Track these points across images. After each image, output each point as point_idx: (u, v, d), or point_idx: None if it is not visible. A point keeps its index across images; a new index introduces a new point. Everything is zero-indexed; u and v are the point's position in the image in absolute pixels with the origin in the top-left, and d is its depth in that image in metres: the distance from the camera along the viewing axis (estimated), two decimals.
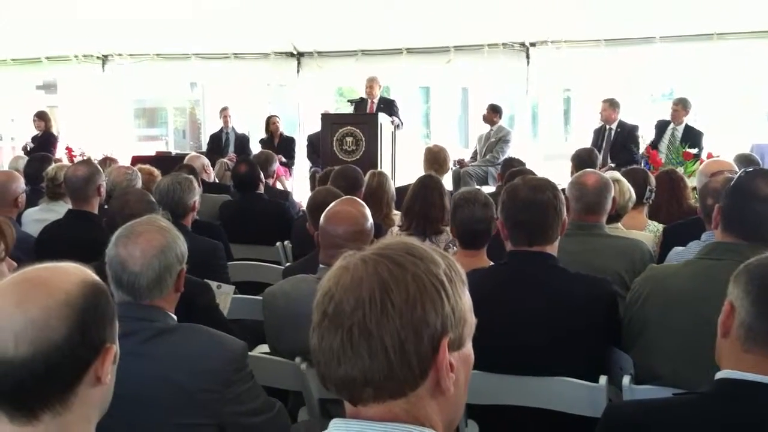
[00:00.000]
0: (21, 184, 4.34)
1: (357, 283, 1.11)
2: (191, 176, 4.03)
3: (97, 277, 1.40)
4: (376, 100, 8.99)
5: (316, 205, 3.39)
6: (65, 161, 7.88)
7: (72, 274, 1.35)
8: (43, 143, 9.73)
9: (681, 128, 8.34)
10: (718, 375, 1.64)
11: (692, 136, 8.18)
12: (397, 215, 4.62)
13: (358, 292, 1.10)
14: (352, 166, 5.13)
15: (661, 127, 8.46)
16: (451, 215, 3.32)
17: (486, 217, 3.20)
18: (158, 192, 3.79)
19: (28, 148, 9.92)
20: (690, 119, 8.38)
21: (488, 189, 6.84)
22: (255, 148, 10.19)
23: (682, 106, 8.52)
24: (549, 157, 12.86)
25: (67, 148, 9.83)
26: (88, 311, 1.32)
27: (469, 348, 1.19)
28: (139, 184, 4.46)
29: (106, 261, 2.20)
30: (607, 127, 8.56)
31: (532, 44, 9.28)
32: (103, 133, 11.51)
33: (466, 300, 1.17)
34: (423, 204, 4.04)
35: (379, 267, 1.11)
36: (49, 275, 1.33)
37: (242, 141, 10.49)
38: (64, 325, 1.28)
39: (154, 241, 2.19)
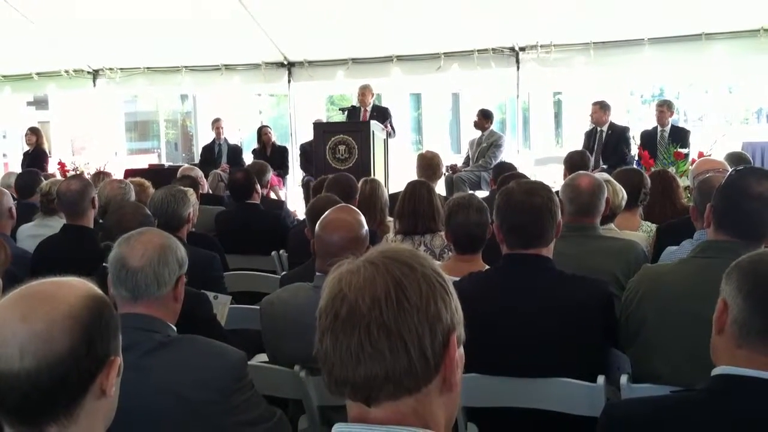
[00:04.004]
0: (9, 197, 4.34)
1: (370, 282, 1.13)
2: (187, 188, 4.02)
3: (100, 291, 1.41)
4: (369, 108, 9.01)
5: (316, 211, 3.37)
6: (58, 176, 7.87)
7: (76, 287, 1.36)
8: (35, 160, 9.73)
9: (668, 129, 8.44)
10: (714, 371, 1.65)
11: (680, 136, 8.26)
12: (391, 222, 4.62)
13: (373, 291, 1.12)
14: (346, 174, 5.10)
15: (649, 136, 8.51)
16: (446, 221, 3.35)
17: (481, 221, 3.26)
18: (152, 205, 3.77)
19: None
20: (676, 119, 8.44)
21: (481, 194, 6.87)
22: (248, 158, 10.21)
23: (666, 107, 8.66)
24: (540, 162, 12.91)
25: (60, 163, 9.82)
26: (92, 324, 1.33)
27: (462, 348, 1.22)
28: (133, 197, 4.47)
29: (108, 264, 2.22)
30: (599, 129, 8.61)
31: (522, 49, 9.29)
32: (96, 147, 11.50)
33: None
34: (411, 201, 4.07)
35: (389, 267, 1.14)
36: (53, 289, 1.34)
37: (235, 152, 10.52)
38: (68, 337, 1.29)
39: (155, 239, 2.25)
